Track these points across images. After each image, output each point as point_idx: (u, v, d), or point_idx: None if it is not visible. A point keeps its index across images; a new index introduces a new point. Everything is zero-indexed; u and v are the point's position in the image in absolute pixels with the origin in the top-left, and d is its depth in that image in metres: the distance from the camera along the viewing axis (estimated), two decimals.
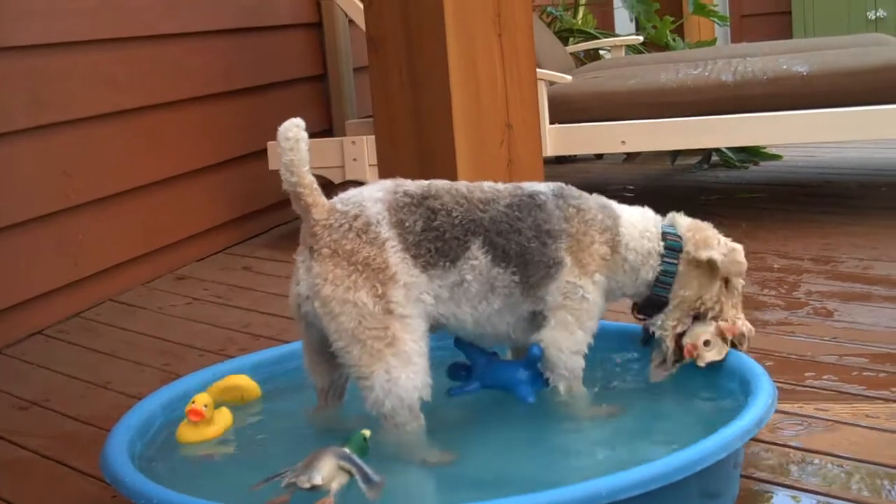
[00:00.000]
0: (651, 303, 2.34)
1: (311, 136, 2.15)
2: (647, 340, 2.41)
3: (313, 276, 2.09)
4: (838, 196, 5.02)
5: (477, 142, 3.21)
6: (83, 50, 3.97)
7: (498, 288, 2.19)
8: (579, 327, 2.24)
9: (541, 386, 2.27)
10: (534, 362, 2.25)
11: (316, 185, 2.13)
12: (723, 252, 2.29)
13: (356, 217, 2.11)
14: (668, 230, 2.33)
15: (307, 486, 1.81)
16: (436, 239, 2.13)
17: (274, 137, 4.17)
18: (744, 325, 2.33)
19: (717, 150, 5.65)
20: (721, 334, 2.29)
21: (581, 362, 2.26)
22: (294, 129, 2.08)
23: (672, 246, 2.31)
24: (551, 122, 4.53)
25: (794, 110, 4.33)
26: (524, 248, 2.18)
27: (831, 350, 2.87)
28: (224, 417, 2.29)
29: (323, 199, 2.14)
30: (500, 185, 2.28)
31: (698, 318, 2.32)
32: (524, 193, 2.24)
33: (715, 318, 2.31)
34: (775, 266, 3.77)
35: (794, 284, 3.53)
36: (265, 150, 4.65)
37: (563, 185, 2.30)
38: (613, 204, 2.34)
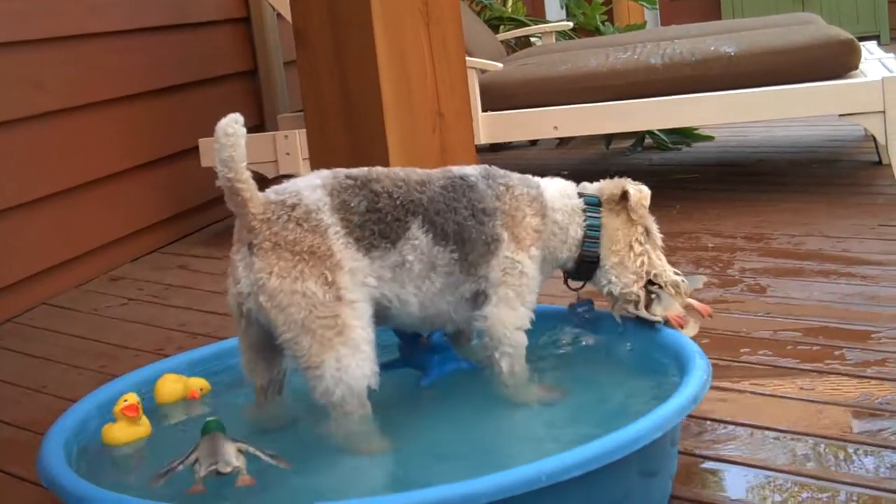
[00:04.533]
0: (584, 262, 2.38)
1: None
2: (583, 317, 2.46)
3: (256, 272, 2.07)
4: (769, 174, 5.07)
5: (408, 131, 3.20)
6: (7, 51, 3.91)
7: (439, 266, 2.21)
8: (521, 303, 2.27)
9: (449, 370, 2.33)
10: (439, 347, 2.33)
11: (252, 181, 2.12)
12: (633, 189, 2.38)
13: (294, 206, 2.10)
14: (582, 191, 2.42)
15: (228, 469, 1.88)
16: (378, 221, 2.15)
17: (205, 134, 4.12)
18: (676, 275, 2.39)
19: (650, 132, 5.69)
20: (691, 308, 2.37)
21: (524, 339, 2.29)
22: (233, 125, 2.06)
23: (591, 201, 2.39)
24: (483, 110, 4.55)
25: (723, 91, 4.38)
26: (461, 227, 2.22)
27: (765, 326, 2.91)
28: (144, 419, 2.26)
29: (258, 193, 2.13)
30: (431, 170, 2.31)
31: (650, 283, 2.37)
32: (455, 175, 2.29)
33: (657, 279, 2.36)
34: (709, 245, 3.80)
35: (728, 262, 3.57)
36: (197, 148, 4.61)
37: (486, 166, 2.35)
38: (530, 176, 2.39)
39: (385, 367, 2.27)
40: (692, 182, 4.96)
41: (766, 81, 4.36)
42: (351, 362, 2.06)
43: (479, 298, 2.29)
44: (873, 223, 3.85)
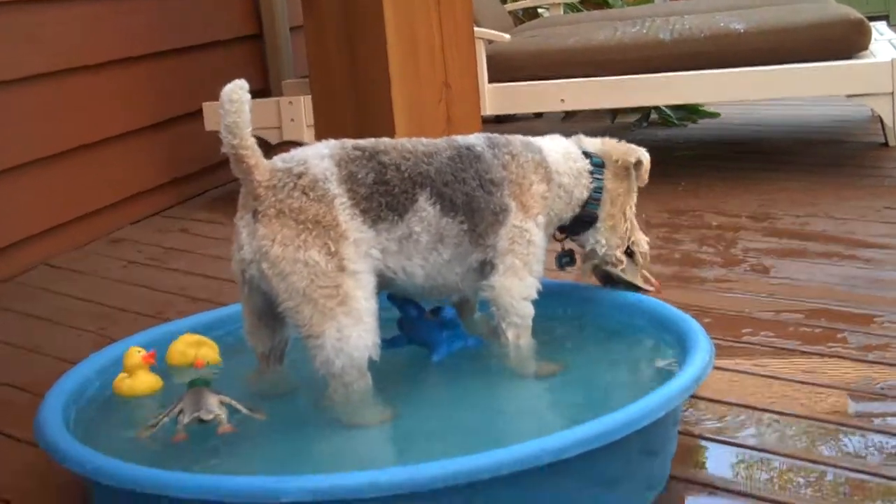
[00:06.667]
0: (580, 221, 2.43)
1: None
2: (568, 263, 2.55)
3: (259, 238, 2.07)
4: (775, 153, 5.04)
5: (415, 100, 3.19)
6: (7, 10, 3.88)
7: (447, 238, 2.21)
8: (528, 272, 2.29)
9: (458, 346, 2.32)
10: (450, 324, 2.31)
11: (257, 147, 2.12)
12: (644, 157, 2.45)
13: (301, 175, 2.10)
14: (585, 150, 2.44)
15: (210, 417, 1.97)
16: (385, 193, 2.14)
17: (209, 98, 4.10)
18: (646, 244, 2.50)
19: (656, 108, 5.67)
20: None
21: (531, 309, 2.30)
22: (238, 91, 2.06)
23: (596, 163, 2.42)
24: (490, 81, 4.51)
25: (731, 68, 4.35)
26: (470, 197, 2.22)
27: (768, 306, 2.89)
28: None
29: (264, 160, 2.12)
30: (436, 140, 2.31)
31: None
32: (461, 146, 2.29)
33: (633, 246, 2.47)
34: (713, 223, 3.79)
35: (732, 241, 3.55)
36: (200, 111, 4.59)
37: (488, 134, 2.36)
38: (531, 138, 2.41)
39: (389, 343, 2.27)
40: (697, 159, 4.94)
41: (775, 59, 4.33)
42: (352, 332, 2.06)
43: (486, 268, 2.29)
44: (878, 205, 3.84)
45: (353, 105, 3.21)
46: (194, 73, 4.85)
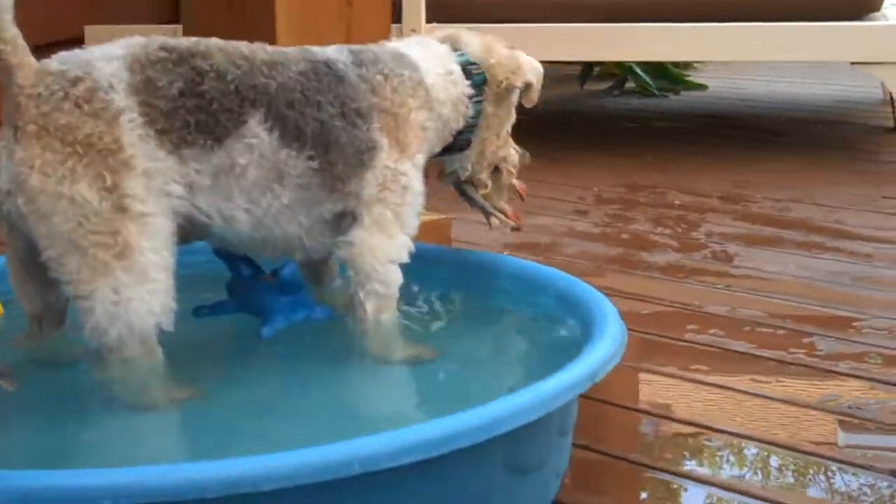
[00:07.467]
0: (451, 147, 2.16)
1: None
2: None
3: (16, 164, 1.73)
4: (763, 130, 4.79)
5: (305, 15, 2.84)
6: None
7: (288, 176, 1.87)
8: (400, 228, 1.98)
9: (300, 317, 2.00)
10: (290, 287, 2.00)
11: (21, 41, 1.77)
12: (536, 76, 2.16)
13: (76, 81, 1.74)
14: (464, 60, 2.12)
15: None
16: (197, 109, 1.79)
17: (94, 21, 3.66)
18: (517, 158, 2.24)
19: (633, 73, 5.36)
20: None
21: (399, 275, 1.97)
22: None
23: (478, 82, 2.13)
24: (428, 22, 4.17)
25: (717, 22, 4.08)
26: (325, 127, 1.88)
27: (723, 300, 2.63)
28: None
29: (31, 59, 1.77)
30: (286, 48, 1.95)
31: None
32: (319, 60, 1.93)
33: (502, 163, 2.21)
34: (676, 202, 3.55)
35: (694, 224, 3.31)
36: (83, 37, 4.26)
37: (350, 47, 2.01)
38: (400, 47, 2.09)
39: (211, 309, 2.00)
40: (673, 132, 4.69)
41: (770, 17, 4.07)
42: (134, 294, 1.72)
43: (343, 221, 1.94)
44: (876, 194, 3.61)
45: (228, 17, 2.85)
46: None
